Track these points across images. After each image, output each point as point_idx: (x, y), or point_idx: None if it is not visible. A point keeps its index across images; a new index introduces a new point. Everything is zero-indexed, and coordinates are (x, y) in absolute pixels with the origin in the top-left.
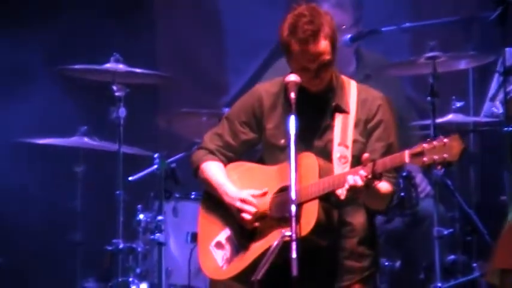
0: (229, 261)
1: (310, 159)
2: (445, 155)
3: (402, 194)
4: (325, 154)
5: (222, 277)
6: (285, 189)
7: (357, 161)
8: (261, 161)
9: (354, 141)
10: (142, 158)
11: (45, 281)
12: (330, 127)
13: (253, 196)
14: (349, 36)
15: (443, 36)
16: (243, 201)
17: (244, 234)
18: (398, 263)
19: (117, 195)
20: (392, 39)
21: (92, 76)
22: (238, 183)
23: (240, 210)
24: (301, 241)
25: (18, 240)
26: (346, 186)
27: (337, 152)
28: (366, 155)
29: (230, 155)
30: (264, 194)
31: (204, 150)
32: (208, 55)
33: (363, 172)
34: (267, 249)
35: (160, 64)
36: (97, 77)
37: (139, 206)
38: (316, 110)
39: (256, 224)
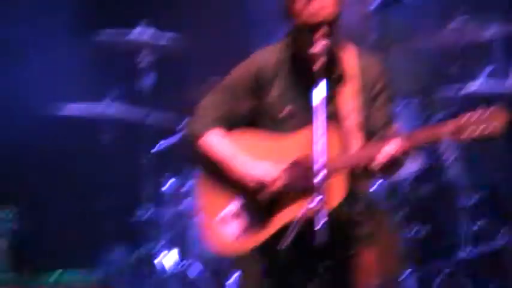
0: (241, 235)
1: (329, 129)
2: (488, 128)
3: (429, 162)
4: (334, 123)
5: (234, 252)
6: (302, 160)
7: (364, 128)
8: (258, 129)
9: (360, 108)
10: (170, 125)
11: (73, 246)
12: (335, 95)
13: (270, 167)
14: (372, 5)
15: (470, 3)
16: (261, 175)
17: (260, 207)
18: (424, 231)
19: (144, 163)
20: (420, 8)
21: (120, 43)
22: (246, 152)
23: (258, 182)
24: (329, 212)
25: (46, 208)
26: (381, 158)
27: (346, 120)
28: (396, 127)
29: (230, 125)
30: (281, 165)
31: (203, 119)
32: (235, 25)
33: (399, 143)
34: (290, 221)
35: (188, 31)
36: (125, 44)
37: (167, 173)
38: (322, 78)
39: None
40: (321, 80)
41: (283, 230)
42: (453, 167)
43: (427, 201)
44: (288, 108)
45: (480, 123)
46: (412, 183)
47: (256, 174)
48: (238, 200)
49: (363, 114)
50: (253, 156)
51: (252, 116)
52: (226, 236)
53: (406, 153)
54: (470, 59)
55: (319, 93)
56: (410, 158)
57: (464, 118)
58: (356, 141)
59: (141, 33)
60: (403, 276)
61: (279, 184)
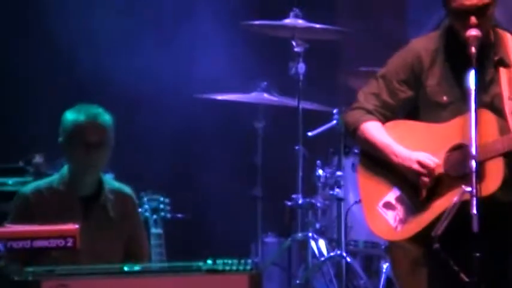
0: (403, 221)
1: (487, 115)
2: None
3: None
4: (495, 109)
5: (397, 238)
6: (460, 147)
7: None
8: (415, 119)
9: None
10: (322, 114)
11: (225, 234)
12: (494, 81)
13: (429, 155)
14: None
15: None
16: (420, 162)
17: (418, 194)
18: None
19: (296, 150)
20: None
21: (272, 32)
22: (400, 143)
23: (417, 172)
24: (486, 199)
25: (200, 195)
26: None
27: (508, 106)
28: None
29: (388, 114)
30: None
31: (361, 110)
32: (389, 9)
33: None
34: (447, 208)
35: (340, 19)
36: (277, 33)
37: (318, 161)
38: (479, 64)
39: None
40: (475, 65)
41: (440, 217)
42: None
43: None
44: (445, 97)
45: None
46: None
47: (417, 161)
48: (399, 187)
49: None
50: (408, 147)
51: (409, 106)
52: (389, 222)
53: None
54: None
55: (473, 78)
56: None
57: None
58: None
59: (293, 22)
60: None
61: (438, 171)
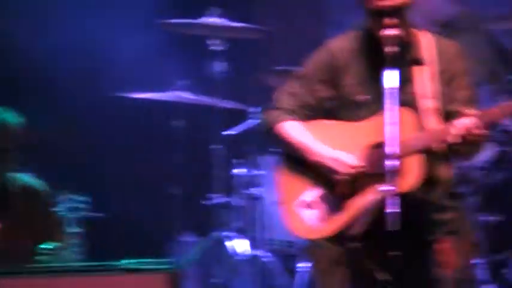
0: (321, 220)
1: (406, 113)
2: None
3: (502, 149)
4: (411, 107)
5: (315, 236)
6: (379, 145)
7: (441, 112)
8: (334, 118)
9: (436, 93)
10: (239, 113)
11: (143, 233)
12: (409, 80)
13: (348, 154)
14: None
15: None
16: (337, 161)
17: (336, 192)
18: (497, 218)
19: (213, 149)
20: None
21: (190, 30)
22: (321, 141)
23: (335, 170)
24: (406, 196)
25: (118, 194)
26: (456, 130)
27: (423, 104)
28: (470, 110)
29: (308, 114)
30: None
31: (280, 110)
32: (306, 9)
33: (472, 123)
34: (364, 207)
35: (259, 19)
36: (194, 31)
37: (235, 160)
38: (394, 64)
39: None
40: (392, 64)
41: (359, 215)
42: None
43: (500, 189)
44: (363, 95)
45: None
46: (484, 171)
47: (335, 160)
48: (317, 186)
49: (440, 98)
50: (328, 146)
51: (328, 105)
52: (307, 220)
53: (482, 130)
54: None
55: (391, 77)
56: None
57: None
58: (433, 125)
59: (212, 20)
60: (475, 265)
61: (357, 170)
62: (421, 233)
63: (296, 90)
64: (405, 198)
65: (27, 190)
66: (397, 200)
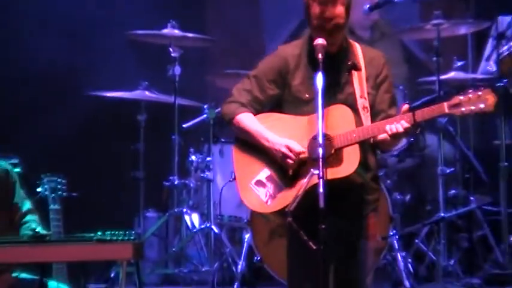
0: (273, 197)
1: (345, 110)
2: (482, 105)
3: (412, 139)
4: (349, 106)
5: (268, 210)
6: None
7: (372, 111)
8: (282, 112)
9: (368, 94)
10: (194, 109)
11: (113, 210)
12: (348, 82)
13: (294, 142)
14: (367, 6)
15: (446, 6)
16: (288, 147)
17: (286, 174)
18: (408, 197)
19: (173, 139)
20: (404, 8)
21: (152, 39)
22: (271, 131)
23: (285, 155)
24: (344, 179)
25: (90, 178)
26: (388, 133)
27: (360, 103)
28: (405, 107)
29: (258, 108)
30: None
31: (236, 103)
32: (248, 23)
33: (404, 122)
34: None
35: (209, 30)
36: (156, 40)
37: (191, 148)
38: (335, 68)
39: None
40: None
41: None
42: (433, 144)
43: (411, 171)
44: (307, 94)
45: (474, 102)
46: (398, 157)
47: (286, 146)
48: (269, 167)
49: (370, 98)
50: (277, 135)
51: (275, 101)
52: (260, 197)
53: (411, 129)
54: (446, 51)
55: (319, 82)
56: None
57: (459, 98)
58: (366, 122)
59: (170, 32)
60: (390, 235)
61: (303, 155)
62: (354, 209)
63: (250, 87)
64: (344, 181)
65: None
66: (338, 182)
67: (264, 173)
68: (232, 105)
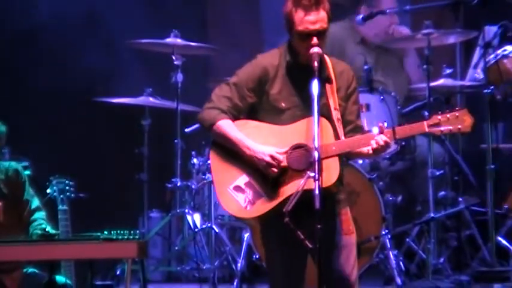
0: (252, 203)
1: (324, 123)
2: (459, 126)
3: (403, 143)
4: (325, 117)
5: (246, 216)
6: (299, 147)
7: (342, 120)
8: (258, 120)
9: (339, 105)
10: (196, 114)
11: (118, 211)
12: (323, 94)
13: (275, 150)
14: (361, 16)
15: (436, 16)
16: (271, 156)
17: (265, 181)
18: (400, 198)
19: (175, 143)
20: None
21: (156, 48)
22: (249, 138)
23: (270, 164)
24: (324, 189)
25: (97, 180)
26: (375, 144)
27: (334, 114)
28: (383, 124)
29: (236, 115)
30: (285, 151)
31: (216, 109)
32: (248, 30)
33: (384, 137)
34: (293, 192)
35: (211, 39)
36: (160, 49)
37: (193, 152)
38: (311, 80)
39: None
40: (315, 78)
41: (286, 201)
42: (423, 145)
43: (402, 173)
44: (284, 103)
45: (452, 122)
46: (389, 160)
47: (269, 155)
48: (247, 173)
49: (340, 109)
50: (256, 142)
51: (251, 109)
52: (239, 202)
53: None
54: (436, 60)
55: (315, 89)
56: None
57: (438, 117)
58: (341, 133)
59: (173, 40)
60: (382, 234)
61: (283, 164)
62: (328, 211)
63: (230, 94)
64: (324, 191)
65: (7, 169)
66: (320, 185)
67: (243, 179)
68: (213, 112)
